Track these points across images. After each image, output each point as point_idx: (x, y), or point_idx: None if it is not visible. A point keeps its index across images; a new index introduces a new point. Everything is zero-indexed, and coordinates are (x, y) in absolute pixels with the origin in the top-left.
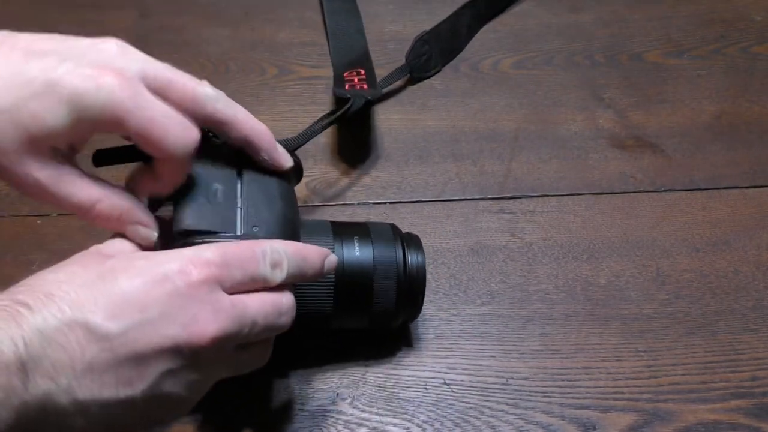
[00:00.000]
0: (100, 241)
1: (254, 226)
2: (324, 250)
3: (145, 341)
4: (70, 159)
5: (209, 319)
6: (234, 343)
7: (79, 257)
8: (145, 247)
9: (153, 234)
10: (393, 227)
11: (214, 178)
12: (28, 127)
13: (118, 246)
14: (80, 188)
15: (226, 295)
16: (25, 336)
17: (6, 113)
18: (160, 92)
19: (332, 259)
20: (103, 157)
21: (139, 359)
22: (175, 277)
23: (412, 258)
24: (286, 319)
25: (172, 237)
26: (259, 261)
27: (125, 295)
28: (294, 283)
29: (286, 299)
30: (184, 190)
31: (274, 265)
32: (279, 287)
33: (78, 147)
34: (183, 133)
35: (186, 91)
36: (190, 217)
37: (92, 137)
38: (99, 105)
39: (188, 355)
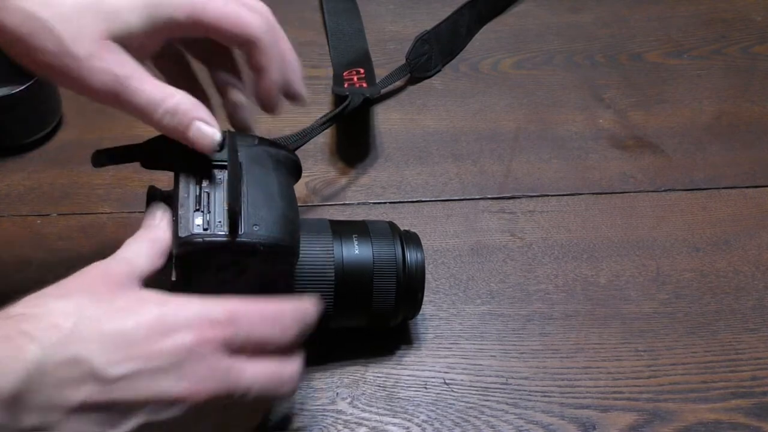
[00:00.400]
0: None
1: (254, 225)
2: (310, 304)
3: (142, 389)
4: (141, 62)
5: (206, 380)
6: (222, 404)
7: (88, 281)
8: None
9: (216, 133)
10: (392, 225)
11: (213, 177)
12: (108, 20)
13: (125, 267)
14: (151, 85)
15: (226, 358)
16: (28, 368)
17: (87, 8)
18: None
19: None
20: (102, 158)
21: (131, 405)
22: (184, 333)
23: (411, 255)
24: (287, 388)
25: (173, 238)
26: (271, 327)
27: (132, 341)
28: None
29: (291, 368)
30: (184, 191)
31: (284, 331)
32: (288, 350)
33: (150, 51)
34: (259, 16)
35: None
36: (191, 220)
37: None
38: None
39: (175, 410)
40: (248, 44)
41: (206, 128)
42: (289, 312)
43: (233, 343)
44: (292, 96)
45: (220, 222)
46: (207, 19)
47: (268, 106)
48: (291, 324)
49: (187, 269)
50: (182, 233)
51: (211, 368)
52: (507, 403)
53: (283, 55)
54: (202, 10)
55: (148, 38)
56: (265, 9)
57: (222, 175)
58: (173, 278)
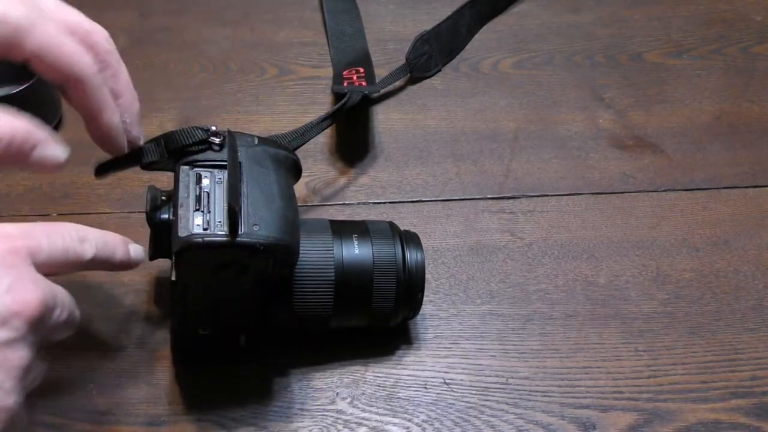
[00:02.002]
0: None
1: (254, 225)
2: (125, 238)
3: None
4: None
5: (30, 288)
6: (46, 329)
7: None
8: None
9: (60, 152)
10: (391, 225)
11: (212, 177)
12: None
13: None
14: None
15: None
16: None
17: None
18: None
19: (137, 248)
20: (105, 168)
21: None
22: None
23: (411, 255)
24: (70, 316)
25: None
26: (65, 234)
27: None
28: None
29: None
30: (184, 191)
31: (82, 240)
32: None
33: None
34: (88, 52)
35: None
36: (191, 219)
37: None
38: None
39: (10, 331)
40: (72, 83)
41: (47, 152)
42: (82, 226)
43: (41, 252)
44: (128, 138)
45: (219, 222)
46: (27, 47)
47: (106, 147)
48: (86, 235)
49: (187, 269)
50: (182, 233)
51: (32, 277)
52: (507, 403)
53: (119, 94)
54: (22, 36)
55: None
56: (102, 38)
57: (222, 175)
58: (173, 278)
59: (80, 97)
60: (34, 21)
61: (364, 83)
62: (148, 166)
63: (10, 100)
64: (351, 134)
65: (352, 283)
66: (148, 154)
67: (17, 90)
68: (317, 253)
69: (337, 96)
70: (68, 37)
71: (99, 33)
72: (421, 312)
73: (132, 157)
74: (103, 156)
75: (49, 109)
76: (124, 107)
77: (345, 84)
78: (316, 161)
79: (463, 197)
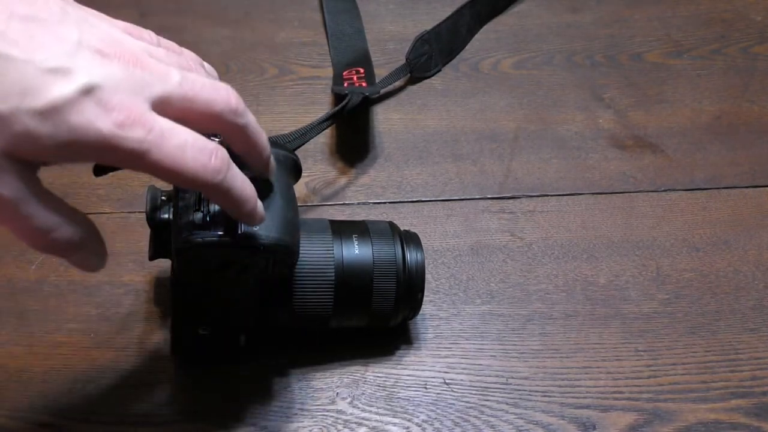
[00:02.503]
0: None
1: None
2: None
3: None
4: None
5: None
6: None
7: None
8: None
9: (102, 264)
10: (391, 225)
11: None
12: (17, 137)
13: None
14: (42, 211)
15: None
16: None
17: None
18: (179, 115)
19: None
20: (104, 167)
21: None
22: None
23: (412, 255)
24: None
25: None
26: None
27: None
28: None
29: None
30: (184, 190)
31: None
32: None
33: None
34: (205, 164)
35: (211, 115)
36: (191, 219)
37: None
38: (98, 146)
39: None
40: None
41: (92, 260)
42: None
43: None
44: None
45: (220, 221)
46: (143, 167)
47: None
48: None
49: (187, 268)
50: (182, 233)
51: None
52: (507, 403)
53: (249, 153)
54: (143, 158)
55: (64, 160)
56: (223, 107)
57: None
58: (173, 278)
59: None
60: (149, 144)
61: (364, 84)
62: None
63: None
64: (351, 134)
65: (352, 283)
66: None
67: None
68: (317, 253)
69: (338, 96)
70: (188, 150)
71: (220, 102)
72: (421, 312)
73: None
74: None
75: None
76: (253, 162)
77: (345, 85)
78: (316, 161)
79: (463, 197)
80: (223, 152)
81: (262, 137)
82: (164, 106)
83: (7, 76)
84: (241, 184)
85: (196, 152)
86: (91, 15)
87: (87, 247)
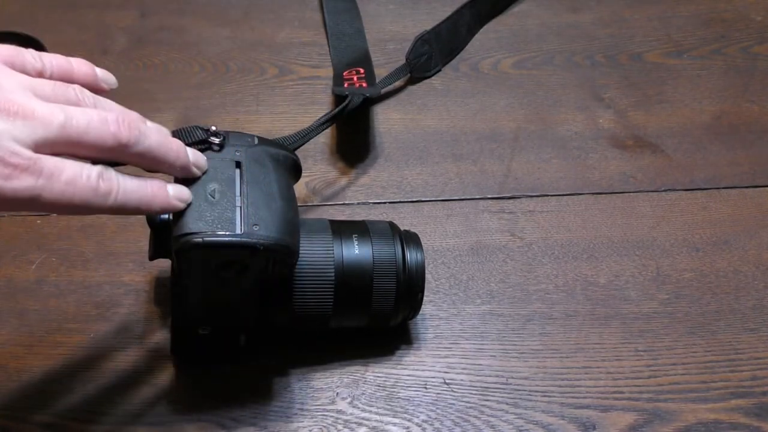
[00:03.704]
0: (100, 242)
1: (254, 225)
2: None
3: None
4: None
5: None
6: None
7: None
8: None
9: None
10: (391, 225)
11: (212, 177)
12: None
13: None
14: None
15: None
16: None
17: None
18: (67, 153)
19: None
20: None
21: None
22: None
23: (411, 255)
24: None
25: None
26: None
27: None
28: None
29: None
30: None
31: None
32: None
33: None
34: (95, 191)
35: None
36: (189, 219)
37: None
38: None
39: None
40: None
41: None
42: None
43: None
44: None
45: (220, 222)
46: (42, 209)
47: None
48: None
49: (187, 268)
50: (181, 232)
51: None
52: (507, 403)
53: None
54: (36, 202)
55: None
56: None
57: (222, 174)
58: (173, 278)
59: None
60: (39, 189)
61: (364, 84)
62: None
63: None
64: (351, 134)
65: (352, 283)
66: None
67: None
68: (317, 253)
69: (338, 97)
70: (77, 183)
71: (109, 139)
72: (421, 312)
73: None
74: None
75: None
76: (170, 172)
77: (346, 85)
78: (316, 161)
79: (463, 197)
80: (108, 172)
81: (168, 151)
82: (49, 148)
83: None
84: (138, 191)
85: (82, 183)
86: None
87: None
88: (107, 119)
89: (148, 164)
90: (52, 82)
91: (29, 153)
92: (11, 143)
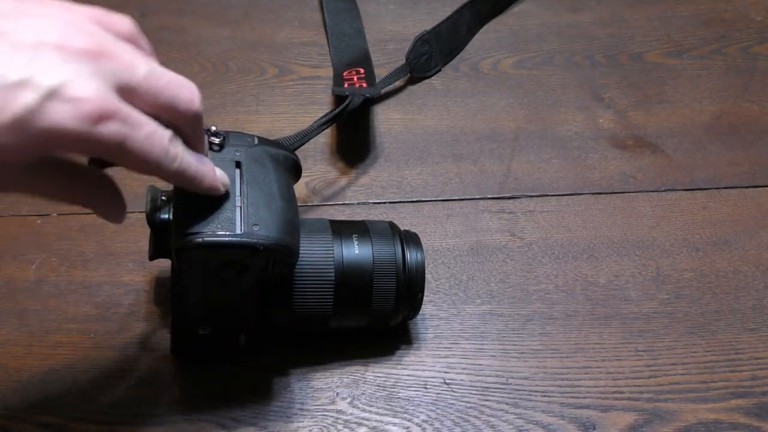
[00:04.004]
0: (100, 242)
1: (254, 225)
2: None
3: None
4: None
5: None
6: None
7: None
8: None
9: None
10: (391, 225)
11: None
12: None
13: None
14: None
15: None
16: None
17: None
18: (141, 105)
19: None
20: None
21: None
22: None
23: (411, 255)
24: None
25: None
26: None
27: None
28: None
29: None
30: (182, 191)
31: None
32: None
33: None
34: (167, 151)
35: (171, 111)
36: (190, 219)
37: None
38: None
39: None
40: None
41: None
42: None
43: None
44: None
45: (220, 222)
46: (121, 157)
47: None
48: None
49: (187, 268)
50: (182, 232)
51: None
52: (507, 403)
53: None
54: (120, 147)
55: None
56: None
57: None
58: (173, 278)
59: None
60: (124, 136)
61: (364, 84)
62: None
63: None
64: (351, 134)
65: (352, 283)
66: None
67: None
68: (317, 253)
69: (338, 96)
70: (154, 139)
71: (183, 101)
72: (421, 312)
73: None
74: None
75: None
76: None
77: (346, 86)
78: (316, 161)
79: (463, 197)
80: (176, 138)
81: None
82: (129, 96)
83: None
84: (196, 163)
85: (157, 140)
86: (50, 6)
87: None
88: (183, 84)
89: (191, 136)
90: (134, 45)
91: (113, 96)
92: (95, 85)
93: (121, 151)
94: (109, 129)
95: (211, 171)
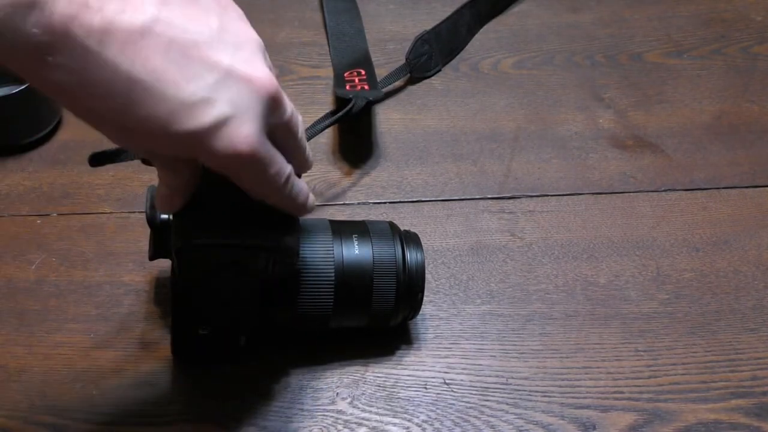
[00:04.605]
0: (100, 242)
1: (254, 225)
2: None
3: None
4: None
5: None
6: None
7: None
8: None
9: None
10: (391, 225)
11: (214, 179)
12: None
13: None
14: None
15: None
16: None
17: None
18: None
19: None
20: (99, 158)
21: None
22: None
23: (411, 255)
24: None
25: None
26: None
27: None
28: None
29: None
30: None
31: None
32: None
33: None
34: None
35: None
36: (191, 220)
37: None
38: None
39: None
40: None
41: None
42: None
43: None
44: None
45: (220, 222)
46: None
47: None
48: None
49: (188, 268)
50: (182, 232)
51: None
52: (507, 403)
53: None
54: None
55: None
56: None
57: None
58: (173, 278)
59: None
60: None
61: (366, 86)
62: (148, 162)
63: (10, 100)
64: (351, 134)
65: (352, 283)
66: None
67: (17, 90)
68: (317, 253)
69: (339, 98)
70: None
71: (301, 131)
72: (421, 312)
73: (126, 151)
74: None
75: (49, 109)
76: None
77: (347, 87)
78: (317, 161)
79: (463, 197)
80: (292, 170)
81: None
82: (272, 133)
83: (154, 107)
84: (303, 188)
85: (283, 175)
86: (242, 28)
87: None
88: (301, 131)
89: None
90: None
91: (265, 140)
92: (260, 130)
93: (250, 181)
94: (251, 168)
95: (309, 195)
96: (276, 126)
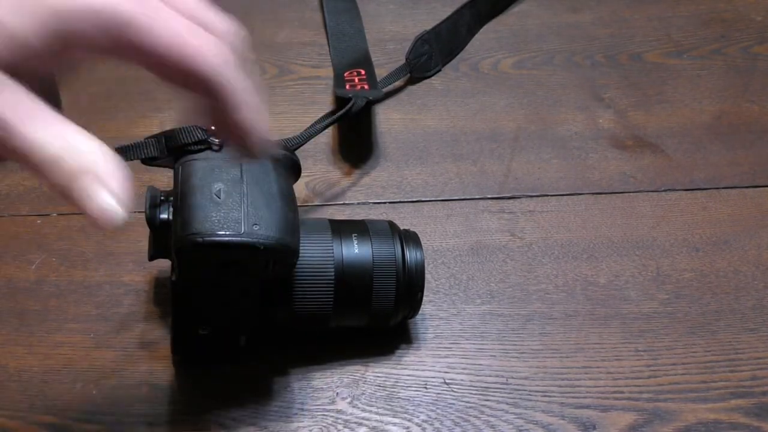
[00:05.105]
0: (100, 242)
1: (254, 225)
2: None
3: None
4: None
5: None
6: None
7: None
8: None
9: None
10: (391, 224)
11: (217, 178)
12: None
13: None
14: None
15: None
16: None
17: None
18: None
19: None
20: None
21: None
22: None
23: (411, 255)
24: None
25: (171, 237)
26: None
27: None
28: None
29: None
30: (186, 191)
31: None
32: None
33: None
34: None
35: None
36: (191, 219)
37: None
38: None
39: None
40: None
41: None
42: None
43: None
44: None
45: (220, 221)
46: (141, 48)
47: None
48: None
49: (187, 268)
50: (182, 232)
51: None
52: (507, 403)
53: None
54: (134, 34)
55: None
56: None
57: (227, 175)
58: (173, 278)
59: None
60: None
61: (366, 86)
62: (149, 161)
63: None
64: (351, 134)
65: (351, 282)
66: (149, 149)
67: None
68: (317, 253)
69: (339, 98)
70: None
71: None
72: (421, 312)
73: (132, 150)
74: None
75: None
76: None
77: (347, 87)
78: (316, 161)
79: (463, 197)
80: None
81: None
82: None
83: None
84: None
85: (173, 22)
86: None
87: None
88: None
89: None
90: None
91: None
92: None
93: (149, 35)
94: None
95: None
96: None
